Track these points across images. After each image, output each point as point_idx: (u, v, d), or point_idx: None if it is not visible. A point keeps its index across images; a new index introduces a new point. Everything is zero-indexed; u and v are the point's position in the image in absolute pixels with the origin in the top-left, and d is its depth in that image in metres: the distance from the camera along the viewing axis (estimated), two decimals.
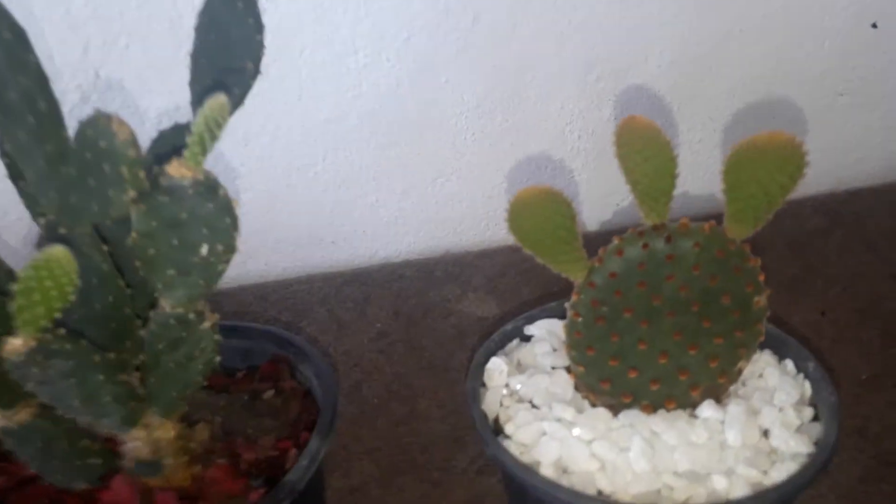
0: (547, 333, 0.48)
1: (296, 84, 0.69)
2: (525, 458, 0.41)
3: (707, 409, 0.42)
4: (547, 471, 0.40)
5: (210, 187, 0.36)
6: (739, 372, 0.42)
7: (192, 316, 0.39)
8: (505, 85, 0.73)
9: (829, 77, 0.79)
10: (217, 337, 0.40)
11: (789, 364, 0.45)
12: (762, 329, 0.41)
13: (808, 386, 0.44)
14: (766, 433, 0.42)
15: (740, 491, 0.38)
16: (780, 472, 0.39)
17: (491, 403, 0.45)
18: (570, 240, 0.38)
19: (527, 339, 0.49)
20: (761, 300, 0.40)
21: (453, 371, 0.66)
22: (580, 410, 0.43)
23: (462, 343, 0.68)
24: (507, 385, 0.46)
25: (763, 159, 0.35)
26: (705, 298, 0.39)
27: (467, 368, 0.65)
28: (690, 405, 0.43)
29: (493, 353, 0.48)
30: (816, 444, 0.41)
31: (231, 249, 0.38)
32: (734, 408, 0.42)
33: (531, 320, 0.50)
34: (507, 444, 0.42)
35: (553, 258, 0.39)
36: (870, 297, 0.65)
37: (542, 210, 0.37)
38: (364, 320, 0.71)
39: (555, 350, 0.47)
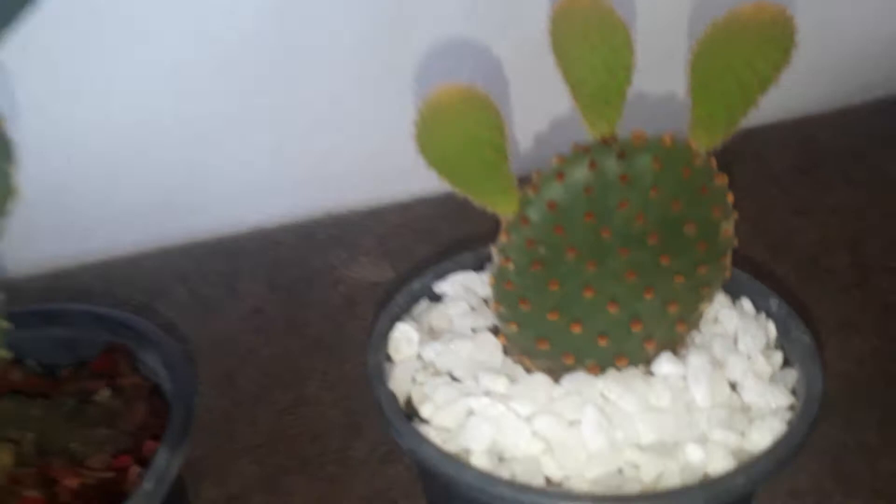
0: (462, 290, 0.39)
1: (129, 20, 0.56)
2: (450, 447, 0.32)
3: (665, 364, 0.34)
4: (479, 460, 0.31)
5: None
6: (699, 317, 0.35)
7: None
8: (388, 16, 0.63)
9: None
10: (4, 324, 0.29)
11: (746, 304, 0.38)
12: (728, 263, 0.33)
13: (771, 327, 0.37)
14: (734, 387, 0.34)
15: (721, 461, 0.31)
16: (762, 433, 0.32)
17: (400, 381, 0.35)
18: (498, 162, 0.29)
19: (437, 298, 0.40)
20: (729, 228, 0.32)
21: (344, 347, 0.56)
22: (513, 380, 0.34)
23: (353, 313, 0.58)
24: (419, 356, 0.36)
25: (742, 41, 0.27)
26: (665, 229, 0.31)
27: (364, 342, 0.56)
28: (644, 361, 0.34)
29: (399, 319, 0.38)
30: (793, 392, 0.34)
31: (8, 192, 0.27)
32: (696, 359, 0.34)
33: (441, 275, 0.40)
34: (424, 430, 0.33)
35: (476, 187, 0.30)
36: (780, 234, 0.61)
37: (462, 120, 0.28)
38: (234, 297, 0.60)
39: (473, 309, 0.38)
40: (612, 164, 0.30)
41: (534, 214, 0.31)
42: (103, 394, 0.37)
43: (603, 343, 0.33)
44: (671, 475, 0.30)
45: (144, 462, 0.32)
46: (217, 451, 0.48)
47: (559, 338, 0.33)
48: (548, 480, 0.31)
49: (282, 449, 0.49)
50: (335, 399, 0.52)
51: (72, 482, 0.31)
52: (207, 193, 0.67)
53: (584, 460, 0.31)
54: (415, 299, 0.39)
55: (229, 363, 0.55)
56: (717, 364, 0.34)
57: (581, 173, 0.30)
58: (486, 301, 0.39)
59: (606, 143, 0.30)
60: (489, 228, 0.66)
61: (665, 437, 0.31)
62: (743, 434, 0.32)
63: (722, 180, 0.31)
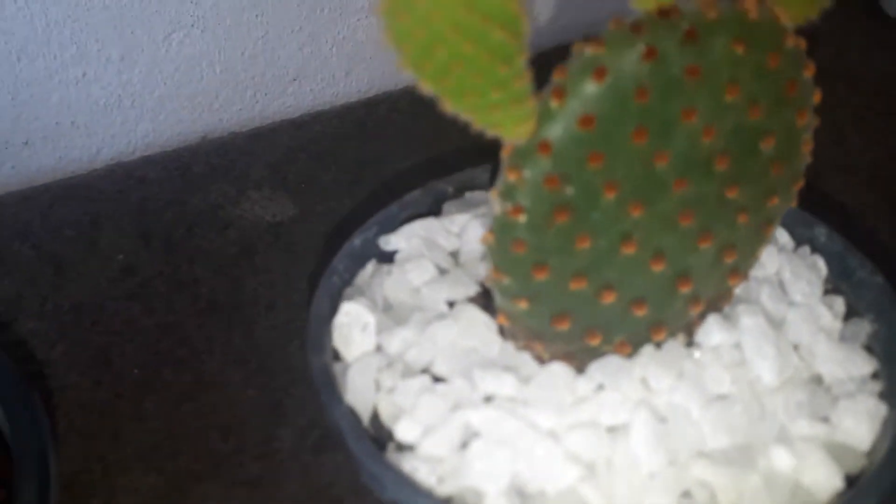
0: (422, 245, 0.27)
1: None
2: (448, 488, 0.21)
3: (715, 332, 0.24)
4: None
5: None
6: (753, 264, 0.24)
7: None
8: None
9: None
10: None
11: (783, 235, 0.28)
12: (797, 190, 0.23)
13: (821, 265, 0.27)
14: (795, 350, 0.25)
15: (820, 469, 0.21)
16: (855, 418, 0.22)
17: (359, 389, 0.23)
18: (510, 51, 0.17)
19: (388, 258, 0.28)
20: (809, 140, 0.22)
21: (247, 307, 0.42)
22: (523, 376, 0.22)
23: (252, 265, 0.44)
24: (378, 348, 0.24)
25: None
26: (738, 147, 0.20)
27: (271, 300, 0.43)
28: (685, 328, 0.24)
29: (338, 294, 0.26)
30: (869, 350, 0.25)
31: None
32: (751, 321, 0.24)
33: (389, 226, 0.28)
34: (407, 463, 0.21)
35: (476, 95, 0.17)
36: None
37: None
38: (96, 254, 0.45)
39: (442, 272, 0.26)
40: (676, 52, 0.18)
41: (559, 136, 0.19)
42: None
43: (639, 312, 0.22)
44: (756, 495, 0.21)
45: None
46: (100, 462, 0.34)
47: (584, 311, 0.22)
48: None
49: (185, 448, 0.37)
50: (246, 375, 0.39)
51: None
52: (44, 122, 0.50)
53: (638, 486, 0.21)
54: (358, 262, 0.27)
55: (101, 342, 0.41)
56: (774, 322, 0.24)
57: (631, 67, 0.18)
58: (453, 256, 0.27)
59: (667, 16, 0.18)
60: (402, 146, 0.54)
61: (737, 439, 0.22)
62: (826, 420, 0.23)
63: (810, 71, 0.21)
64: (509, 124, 0.18)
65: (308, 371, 0.39)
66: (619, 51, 0.18)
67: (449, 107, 0.17)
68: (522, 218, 0.20)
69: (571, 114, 0.19)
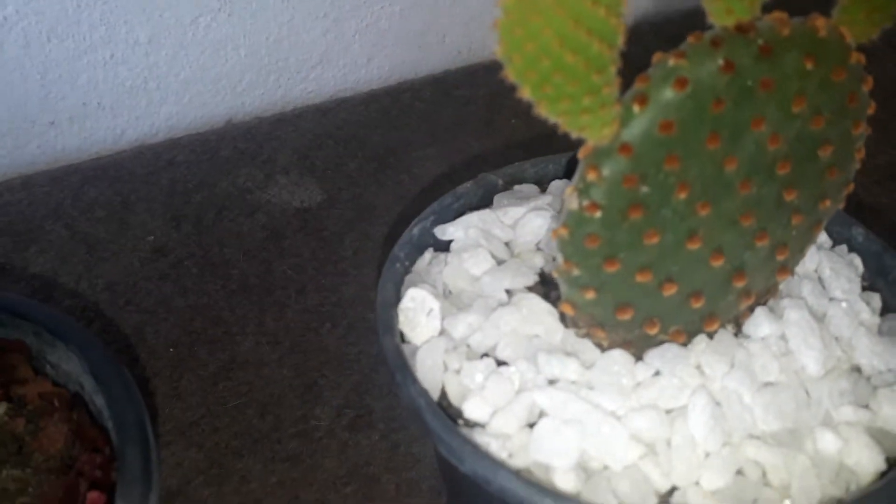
0: (480, 235, 0.28)
1: None
2: (518, 463, 0.23)
3: (763, 324, 0.25)
4: (565, 480, 0.22)
5: None
6: (800, 260, 0.26)
7: None
8: None
9: None
10: None
11: (821, 235, 0.30)
12: (846, 194, 0.25)
13: (858, 263, 0.29)
14: (836, 342, 0.27)
15: (863, 451, 0.23)
16: (891, 405, 0.24)
17: (428, 370, 0.25)
18: (606, 61, 0.18)
19: (444, 247, 0.29)
20: (862, 148, 0.24)
21: (277, 290, 0.44)
22: (586, 361, 0.24)
23: (280, 249, 0.46)
24: (442, 332, 0.26)
25: None
26: (799, 153, 0.22)
27: (301, 282, 0.44)
28: (734, 320, 0.26)
29: (401, 280, 0.27)
30: None
31: None
32: (796, 314, 0.26)
33: (444, 216, 0.30)
34: (479, 439, 0.23)
35: (571, 101, 0.19)
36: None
37: (575, 3, 0.17)
38: (128, 234, 0.46)
39: (499, 262, 0.28)
40: (751, 65, 0.20)
41: (639, 139, 0.20)
42: None
43: (696, 304, 0.24)
44: (805, 474, 0.23)
45: None
46: None
47: (645, 302, 0.24)
48: (657, 495, 0.22)
49: (224, 425, 0.38)
50: (280, 355, 0.41)
51: None
52: (71, 102, 0.51)
53: (695, 464, 0.23)
54: (417, 251, 0.28)
55: (136, 320, 0.42)
56: (817, 316, 0.26)
57: (710, 78, 0.20)
58: (508, 246, 0.29)
59: (743, 31, 0.20)
60: (426, 134, 0.55)
61: (786, 423, 0.24)
62: (868, 408, 0.25)
63: (869, 84, 0.22)
64: (595, 127, 0.20)
65: (344, 353, 0.41)
66: (700, 62, 0.20)
67: (543, 111, 0.19)
68: (598, 214, 0.21)
69: (652, 119, 0.20)
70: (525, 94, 0.19)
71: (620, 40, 0.18)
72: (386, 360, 0.24)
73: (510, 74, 0.18)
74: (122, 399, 0.22)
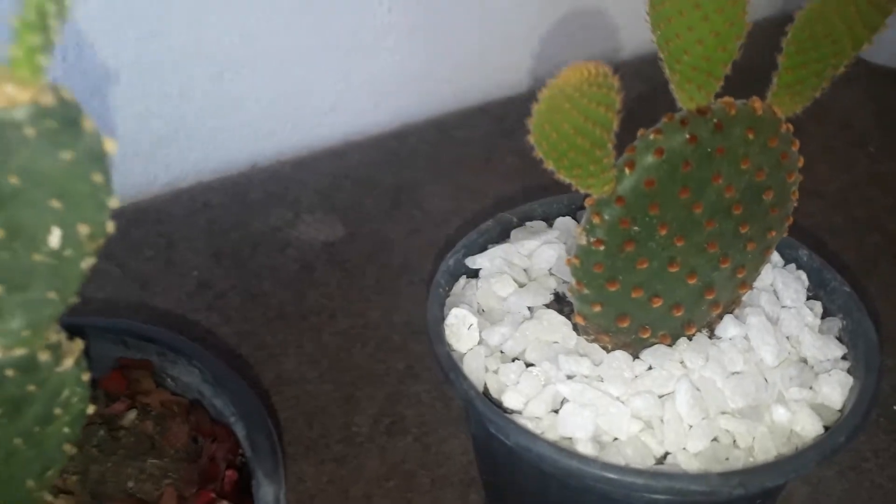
0: (502, 263, 0.37)
1: None
2: (548, 437, 0.31)
3: (730, 328, 0.35)
4: (585, 448, 0.31)
5: (66, 118, 0.20)
6: (757, 276, 0.36)
7: (42, 357, 0.23)
8: None
9: None
10: (85, 376, 0.24)
11: (775, 256, 0.39)
12: (788, 225, 0.34)
13: (804, 277, 0.38)
14: (787, 340, 0.36)
15: (807, 421, 0.32)
16: (831, 386, 0.34)
17: (473, 371, 0.33)
18: (605, 140, 0.27)
19: (473, 273, 0.38)
20: (796, 191, 0.33)
21: (312, 316, 0.52)
22: (595, 360, 0.33)
23: (312, 280, 0.54)
24: (480, 341, 0.35)
25: (848, 4, 0.27)
26: (748, 198, 0.31)
27: (331, 308, 0.52)
28: (708, 325, 0.35)
29: (442, 302, 0.36)
30: (840, 340, 0.36)
31: (101, 231, 0.23)
32: (755, 319, 0.35)
33: (472, 249, 0.38)
34: (518, 421, 0.32)
35: (580, 168, 0.28)
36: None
37: (583, 100, 0.26)
38: (174, 270, 0.54)
39: (520, 285, 0.37)
40: (709, 137, 0.29)
41: (630, 193, 0.29)
42: (129, 417, 0.33)
43: (678, 313, 0.33)
44: (763, 438, 0.32)
45: (226, 496, 0.29)
46: None
47: (639, 313, 0.33)
48: (658, 461, 0.31)
49: (278, 434, 0.46)
50: (320, 373, 0.49)
51: None
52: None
53: (683, 434, 0.31)
54: (454, 278, 0.37)
55: None
56: (772, 320, 0.36)
57: (680, 148, 0.29)
58: (526, 272, 0.38)
59: (703, 113, 0.29)
60: (431, 172, 0.64)
61: (749, 402, 0.33)
62: (812, 388, 0.34)
63: (797, 146, 0.32)
64: (598, 185, 0.29)
65: (374, 369, 0.49)
66: (672, 136, 0.29)
67: (561, 175, 0.28)
68: (601, 247, 0.31)
69: (639, 178, 0.29)
70: (549, 166, 0.28)
71: (615, 126, 0.27)
72: (439, 364, 0.33)
73: (539, 153, 0.27)
74: (243, 399, 0.31)
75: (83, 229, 0.22)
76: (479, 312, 0.36)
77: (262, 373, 0.49)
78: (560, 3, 0.69)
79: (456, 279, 0.38)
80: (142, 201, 0.59)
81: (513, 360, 0.34)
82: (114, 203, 0.22)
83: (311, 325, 0.52)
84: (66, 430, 0.24)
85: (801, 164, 0.32)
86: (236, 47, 0.60)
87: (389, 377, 0.49)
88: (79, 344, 0.24)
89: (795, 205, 0.34)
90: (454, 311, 0.35)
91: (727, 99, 0.30)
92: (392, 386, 0.48)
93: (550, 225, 0.40)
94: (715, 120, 0.29)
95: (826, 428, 0.33)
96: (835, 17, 0.28)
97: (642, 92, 0.50)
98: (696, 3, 0.27)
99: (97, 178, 0.21)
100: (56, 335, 0.23)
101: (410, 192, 0.61)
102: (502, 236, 0.40)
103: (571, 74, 0.25)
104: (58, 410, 0.24)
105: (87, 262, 0.23)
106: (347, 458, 0.45)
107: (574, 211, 0.40)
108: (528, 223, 0.41)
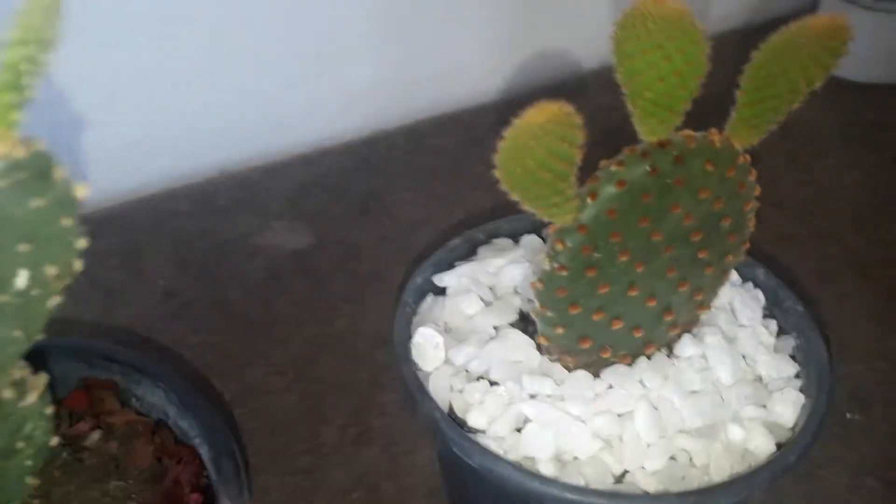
0: (469, 282, 0.38)
1: None
2: (511, 457, 0.32)
3: (688, 347, 0.36)
4: (546, 468, 0.32)
5: (38, 169, 0.21)
6: (714, 297, 0.37)
7: (6, 394, 0.23)
8: None
9: None
10: (49, 410, 0.25)
11: (733, 274, 0.40)
12: (744, 249, 0.35)
13: (761, 296, 0.40)
14: (743, 359, 0.37)
15: (760, 439, 0.34)
16: (784, 405, 0.35)
17: (440, 391, 0.34)
18: (568, 173, 0.28)
19: (440, 291, 0.39)
20: (752, 218, 0.34)
21: (279, 325, 0.53)
22: (557, 380, 0.34)
23: (280, 288, 0.55)
24: (446, 361, 0.36)
25: (803, 48, 0.28)
26: (707, 226, 0.33)
27: (298, 317, 0.53)
28: (666, 344, 0.36)
29: (409, 321, 0.37)
30: (793, 358, 0.38)
31: (69, 271, 0.23)
32: (712, 339, 0.36)
33: (440, 266, 0.39)
34: (481, 441, 0.33)
35: (543, 200, 0.29)
36: None
37: (546, 137, 0.27)
38: (140, 280, 0.54)
39: (487, 304, 0.38)
40: (669, 169, 0.31)
41: (592, 222, 0.31)
42: (93, 438, 0.33)
43: (638, 334, 0.34)
44: (718, 457, 0.33)
45: None
46: None
47: (600, 334, 0.34)
48: (617, 480, 0.32)
49: (243, 442, 0.47)
50: (286, 384, 0.50)
51: None
52: (74, 159, 0.59)
53: (640, 453, 0.33)
54: (420, 296, 0.38)
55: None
56: (730, 340, 0.37)
57: (641, 179, 0.30)
58: (492, 290, 0.39)
59: (664, 146, 0.30)
60: (402, 179, 0.65)
61: (706, 420, 0.34)
62: (765, 407, 0.35)
63: (754, 176, 0.33)
64: (561, 215, 0.30)
65: (342, 380, 0.50)
66: (633, 168, 0.30)
67: (526, 206, 0.29)
68: (564, 273, 0.32)
69: (601, 207, 0.31)
70: (514, 196, 0.29)
71: (578, 160, 0.28)
72: (405, 384, 0.34)
73: (505, 186, 0.28)
74: (209, 421, 0.32)
75: (51, 270, 0.22)
76: (446, 331, 0.37)
77: (227, 383, 0.50)
78: (533, 10, 0.70)
79: (423, 297, 0.38)
80: (107, 208, 0.59)
81: (478, 379, 0.35)
82: (81, 244, 0.23)
83: (278, 334, 0.52)
84: (28, 462, 0.25)
85: (764, 178, 0.33)
86: (206, 54, 0.60)
87: (357, 388, 0.50)
88: (42, 378, 0.24)
89: (752, 230, 0.35)
90: (421, 330, 0.36)
91: (687, 132, 0.31)
92: (359, 396, 0.49)
93: (517, 242, 0.41)
94: (675, 153, 0.31)
95: (779, 446, 0.34)
96: (789, 59, 0.29)
97: (611, 103, 0.51)
98: (658, 43, 0.28)
99: (66, 222, 0.22)
100: (21, 371, 0.24)
101: (380, 200, 0.62)
102: (470, 253, 0.41)
103: (536, 114, 0.26)
104: (20, 444, 0.24)
105: (54, 301, 0.23)
106: (313, 470, 0.46)
107: (539, 229, 0.41)
108: (494, 240, 0.42)
